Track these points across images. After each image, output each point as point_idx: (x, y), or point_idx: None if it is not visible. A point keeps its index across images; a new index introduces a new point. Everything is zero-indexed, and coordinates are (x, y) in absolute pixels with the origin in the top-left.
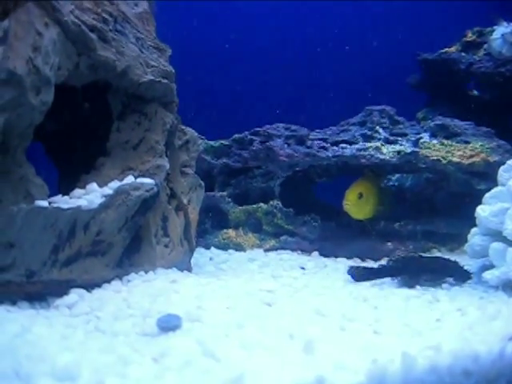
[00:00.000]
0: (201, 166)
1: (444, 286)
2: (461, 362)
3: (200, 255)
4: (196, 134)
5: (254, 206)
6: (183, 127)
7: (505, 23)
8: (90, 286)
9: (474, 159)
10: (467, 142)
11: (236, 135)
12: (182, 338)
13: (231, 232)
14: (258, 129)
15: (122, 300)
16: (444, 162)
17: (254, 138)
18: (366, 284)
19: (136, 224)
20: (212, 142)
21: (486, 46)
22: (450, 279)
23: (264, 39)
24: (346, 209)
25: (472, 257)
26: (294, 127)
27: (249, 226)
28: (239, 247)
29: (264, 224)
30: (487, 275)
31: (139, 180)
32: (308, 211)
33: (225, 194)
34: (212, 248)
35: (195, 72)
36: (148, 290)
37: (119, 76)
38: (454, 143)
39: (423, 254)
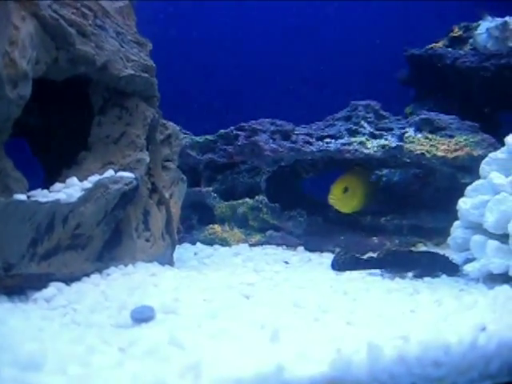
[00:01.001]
0: (186, 162)
1: (426, 279)
2: (431, 352)
3: (185, 250)
4: (178, 128)
5: (240, 201)
6: (165, 122)
7: (489, 18)
8: (69, 280)
9: (458, 153)
10: (452, 136)
11: (221, 130)
12: (153, 328)
13: (217, 227)
14: (244, 124)
15: (100, 293)
16: (428, 155)
17: (239, 133)
18: (349, 277)
19: (115, 217)
20: (197, 138)
21: (471, 40)
22: (439, 273)
23: (252, 35)
24: (330, 203)
25: (455, 250)
26: (279, 122)
27: (235, 221)
28: (225, 242)
29: (250, 219)
30: (468, 268)
31: (119, 174)
32: (295, 206)
33: (210, 189)
34: (197, 243)
35: (183, 68)
36: (126, 283)
37: (99, 70)
38: (438, 137)
39: (412, 249)
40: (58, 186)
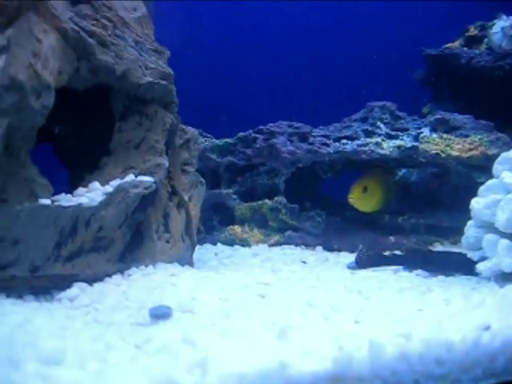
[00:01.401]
0: (207, 164)
1: (441, 277)
2: (433, 350)
3: (206, 251)
4: (197, 132)
5: (260, 202)
6: (184, 126)
7: (504, 17)
8: (92, 280)
9: (472, 152)
10: (466, 136)
11: (240, 133)
12: (169, 326)
13: (237, 228)
14: (262, 127)
15: (121, 293)
16: (443, 155)
17: (257, 135)
18: (364, 276)
19: (136, 220)
20: (217, 141)
21: (486, 40)
22: (456, 272)
23: (267, 37)
24: (350, 202)
25: (467, 249)
26: (296, 124)
27: (255, 221)
28: (245, 243)
29: (269, 220)
30: (480, 266)
31: (139, 178)
32: (313, 206)
33: (231, 191)
34: (218, 244)
35: (202, 74)
36: (146, 284)
37: (119, 79)
38: (453, 137)
39: (430, 248)
40: (81, 190)
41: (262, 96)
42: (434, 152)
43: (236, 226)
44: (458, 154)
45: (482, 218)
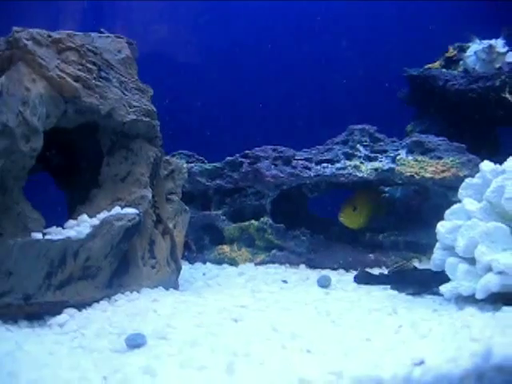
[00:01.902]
0: (197, 187)
1: (408, 297)
2: None
3: (195, 270)
4: (181, 163)
5: (247, 223)
6: (168, 158)
7: (477, 40)
8: (81, 306)
9: (445, 174)
10: (440, 158)
11: (228, 158)
12: (140, 355)
13: (225, 247)
14: (248, 151)
15: (106, 319)
16: (417, 177)
17: (243, 160)
18: (336, 296)
19: (121, 250)
20: (206, 165)
21: (461, 62)
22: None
23: (249, 56)
24: (340, 220)
25: (435, 269)
26: (280, 148)
27: (243, 241)
28: (233, 261)
29: (256, 239)
30: (443, 288)
31: (123, 211)
32: (299, 225)
33: (220, 212)
34: (207, 263)
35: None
36: (130, 310)
37: (104, 117)
38: (427, 159)
39: (416, 266)
40: (70, 222)
41: (253, 118)
42: (408, 174)
43: (225, 246)
44: (431, 175)
45: (445, 241)
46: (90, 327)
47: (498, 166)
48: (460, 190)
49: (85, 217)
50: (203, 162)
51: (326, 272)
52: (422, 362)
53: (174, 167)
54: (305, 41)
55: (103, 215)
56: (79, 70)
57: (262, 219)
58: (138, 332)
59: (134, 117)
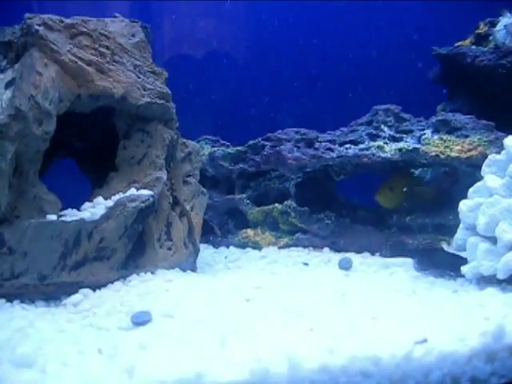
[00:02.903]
0: (220, 172)
1: (430, 278)
2: (359, 363)
3: (218, 254)
4: (198, 145)
5: (270, 206)
6: (185, 140)
7: (508, 14)
8: (96, 287)
9: (471, 153)
10: (467, 136)
11: (250, 141)
12: (142, 332)
13: (249, 231)
14: (270, 134)
15: (118, 298)
16: (442, 156)
17: (265, 143)
18: (356, 278)
19: (135, 231)
20: (229, 149)
21: (491, 38)
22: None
23: (270, 41)
24: (377, 200)
25: (457, 250)
26: (303, 131)
27: (267, 225)
28: (257, 245)
29: (280, 223)
30: (464, 269)
31: (138, 192)
32: (324, 209)
33: (244, 196)
34: (231, 247)
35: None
36: (142, 290)
37: (119, 101)
38: (453, 138)
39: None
40: (87, 204)
41: (279, 101)
42: (433, 153)
43: (249, 230)
44: (457, 154)
45: (466, 220)
46: (102, 306)
47: None
48: (483, 167)
49: (100, 199)
50: (228, 147)
51: (350, 255)
52: (424, 341)
53: (190, 149)
54: (332, 19)
55: (117, 197)
56: (92, 54)
57: (285, 202)
58: (144, 310)
59: (149, 99)
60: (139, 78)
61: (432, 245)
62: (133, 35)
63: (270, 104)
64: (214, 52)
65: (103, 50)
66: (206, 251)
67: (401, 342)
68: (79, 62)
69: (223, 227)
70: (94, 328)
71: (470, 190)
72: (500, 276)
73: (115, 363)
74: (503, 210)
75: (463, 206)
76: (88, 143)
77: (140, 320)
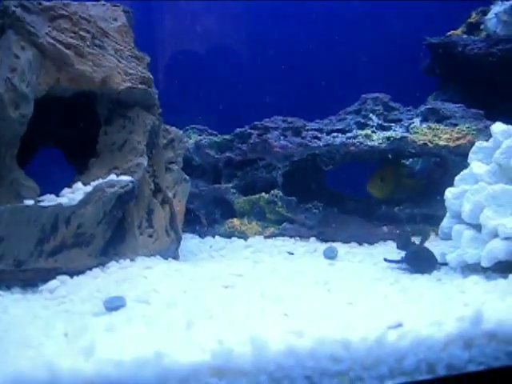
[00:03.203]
0: (207, 161)
1: None
2: (327, 347)
3: (203, 244)
4: (181, 132)
5: (257, 195)
6: (168, 127)
7: (499, 2)
8: (74, 273)
9: (460, 141)
10: (455, 125)
11: (237, 129)
12: (113, 316)
13: (236, 221)
14: (257, 123)
15: (96, 285)
16: (431, 145)
17: (252, 131)
18: (342, 267)
19: (114, 217)
20: (215, 138)
21: (482, 26)
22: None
23: (259, 30)
24: (368, 189)
25: (443, 239)
26: (290, 119)
27: (254, 214)
28: (243, 235)
29: (267, 212)
30: (448, 257)
31: (117, 178)
32: (312, 198)
33: (230, 185)
34: (216, 237)
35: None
36: (120, 276)
37: (99, 85)
38: (441, 126)
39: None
40: (66, 190)
41: (267, 90)
42: (421, 142)
43: (235, 219)
44: (445, 143)
45: (452, 208)
46: (78, 293)
47: (509, 126)
48: (470, 155)
49: (79, 184)
50: (215, 136)
51: (337, 245)
52: (399, 326)
53: (173, 136)
54: (323, 8)
55: (96, 183)
56: (72, 37)
57: (272, 192)
58: (119, 295)
59: (130, 84)
60: (120, 62)
61: (404, 233)
62: (114, 19)
63: (259, 93)
64: (206, 43)
65: (83, 33)
66: (191, 240)
67: (374, 327)
68: (58, 45)
69: (210, 217)
70: (68, 314)
71: (457, 177)
72: (484, 264)
73: (76, 345)
74: (488, 197)
75: (449, 193)
76: (72, 131)
77: (113, 305)
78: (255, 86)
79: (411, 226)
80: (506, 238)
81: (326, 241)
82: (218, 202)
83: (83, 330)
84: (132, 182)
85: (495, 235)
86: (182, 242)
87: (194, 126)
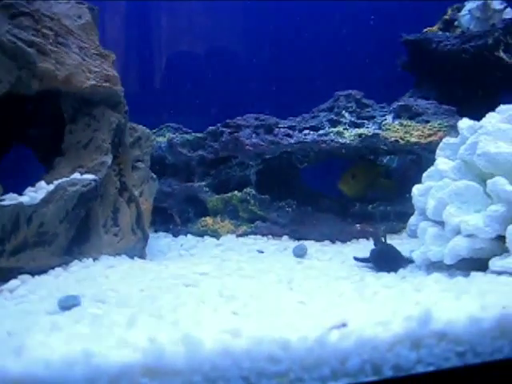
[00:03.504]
0: (179, 159)
1: None
2: (265, 347)
3: (175, 242)
4: (147, 130)
5: (229, 194)
6: (134, 125)
7: None
8: (36, 273)
9: (431, 138)
10: (427, 122)
11: (210, 127)
12: (64, 316)
13: (208, 220)
14: (229, 121)
15: (56, 284)
16: (402, 142)
17: (224, 129)
18: (309, 265)
19: (77, 216)
20: (187, 136)
21: (456, 23)
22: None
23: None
24: (340, 188)
25: (410, 236)
26: (263, 117)
27: (227, 213)
28: (216, 233)
29: (240, 211)
30: (413, 255)
31: (80, 176)
32: (286, 197)
33: (203, 183)
34: (188, 235)
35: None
36: (82, 275)
37: (63, 83)
38: (413, 123)
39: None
40: (29, 189)
41: (248, 89)
42: (393, 139)
43: (208, 218)
44: (416, 140)
45: (418, 205)
46: (38, 292)
47: (475, 122)
48: (437, 151)
49: (42, 183)
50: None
51: (310, 243)
52: (344, 325)
53: (140, 134)
54: (299, 6)
55: (59, 181)
56: (33, 35)
57: (245, 190)
58: (75, 295)
59: (94, 82)
60: (85, 60)
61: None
62: (79, 17)
63: (238, 93)
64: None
65: (46, 31)
66: (164, 239)
67: (317, 326)
68: (19, 43)
69: (183, 215)
70: (24, 313)
71: (424, 174)
72: (447, 261)
73: (12, 343)
74: (451, 193)
75: (415, 190)
76: (42, 130)
77: (67, 304)
78: (234, 85)
79: (384, 224)
80: (469, 235)
81: (298, 239)
82: (191, 201)
83: (28, 329)
84: (95, 180)
85: (458, 232)
86: (153, 241)
87: (168, 124)
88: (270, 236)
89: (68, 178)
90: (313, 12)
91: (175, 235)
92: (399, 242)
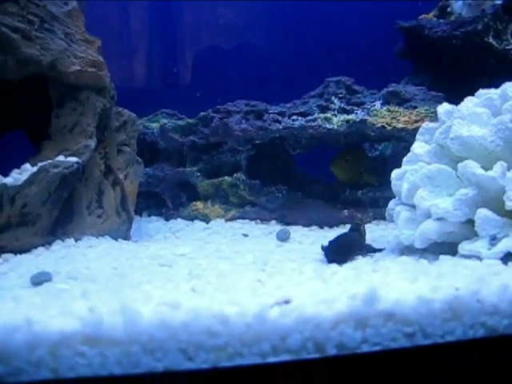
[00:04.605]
0: (171, 144)
1: None
2: (203, 321)
3: (165, 226)
4: (134, 115)
5: (220, 178)
6: (120, 109)
7: None
8: (19, 252)
9: (418, 124)
10: (415, 108)
11: (201, 113)
12: (33, 290)
13: (199, 204)
14: (219, 106)
15: (36, 262)
16: (389, 128)
17: (214, 115)
18: (289, 248)
19: (60, 197)
20: (179, 122)
21: (448, 9)
22: None
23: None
24: (332, 171)
25: (389, 221)
26: (253, 103)
27: (218, 198)
28: (206, 218)
29: (230, 196)
30: (389, 239)
31: (63, 159)
32: (280, 182)
33: (194, 169)
34: (179, 219)
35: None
36: (61, 254)
37: (48, 69)
38: (401, 109)
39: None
40: (14, 171)
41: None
42: (380, 125)
43: (198, 202)
44: (403, 125)
45: (395, 189)
46: (17, 269)
47: (453, 107)
48: (417, 136)
49: (27, 166)
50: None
51: (298, 228)
52: (286, 302)
53: (126, 119)
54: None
55: (42, 163)
56: (19, 21)
57: (235, 175)
58: (46, 271)
59: (79, 67)
60: (70, 46)
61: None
62: (65, 3)
63: (234, 80)
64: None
65: (31, 17)
66: (155, 223)
67: (259, 303)
68: (3, 29)
69: (175, 200)
70: (2, 289)
71: (404, 159)
72: (417, 245)
73: None
74: (423, 177)
75: (393, 174)
76: (35, 116)
77: (38, 280)
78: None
79: (373, 209)
80: (439, 219)
81: (287, 224)
82: (183, 186)
83: None
84: (78, 162)
85: (429, 216)
86: (144, 224)
87: (163, 110)
88: (259, 221)
89: (51, 161)
90: None
91: (167, 219)
92: (384, 228)
